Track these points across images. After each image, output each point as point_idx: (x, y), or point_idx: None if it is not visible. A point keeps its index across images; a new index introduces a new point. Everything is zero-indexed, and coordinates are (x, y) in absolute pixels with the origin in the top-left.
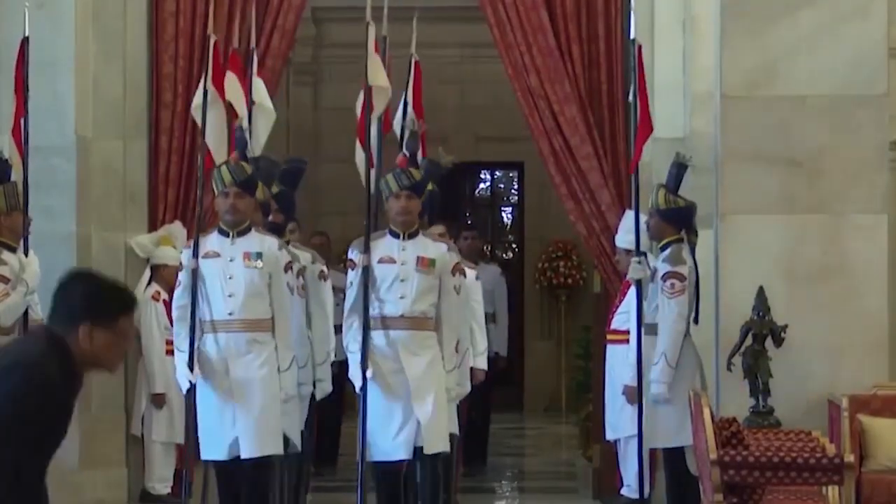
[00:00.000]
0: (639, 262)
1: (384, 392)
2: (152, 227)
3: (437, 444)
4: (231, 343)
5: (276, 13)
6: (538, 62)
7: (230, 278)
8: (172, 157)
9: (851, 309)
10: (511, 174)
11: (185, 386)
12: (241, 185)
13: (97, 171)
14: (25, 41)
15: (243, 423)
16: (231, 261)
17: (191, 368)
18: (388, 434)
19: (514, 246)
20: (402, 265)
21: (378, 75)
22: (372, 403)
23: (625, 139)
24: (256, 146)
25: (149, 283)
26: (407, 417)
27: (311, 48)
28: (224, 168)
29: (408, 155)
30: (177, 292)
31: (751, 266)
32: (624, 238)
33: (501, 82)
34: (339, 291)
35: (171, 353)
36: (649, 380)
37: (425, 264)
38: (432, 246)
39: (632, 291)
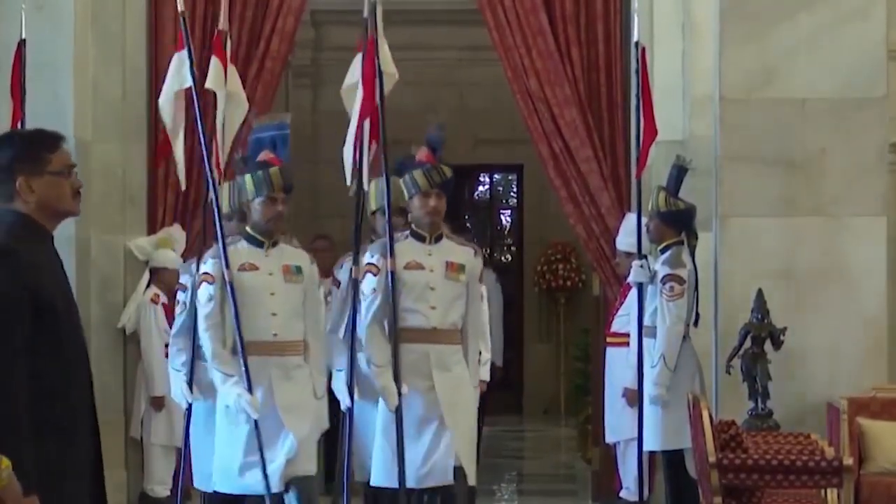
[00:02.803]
0: (640, 266)
1: (412, 413)
2: (151, 229)
3: (472, 473)
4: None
5: (276, 16)
6: (538, 65)
7: (272, 294)
8: (172, 160)
9: (850, 311)
10: (510, 177)
11: (184, 404)
12: (287, 191)
13: (96, 173)
14: (22, 43)
15: (291, 445)
16: (270, 275)
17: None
18: (415, 459)
19: (513, 249)
20: (430, 272)
21: (388, 62)
22: (388, 425)
23: (624, 142)
24: (228, 139)
25: (148, 286)
26: (438, 441)
27: (311, 51)
28: (276, 171)
29: (436, 149)
30: (208, 308)
31: (750, 268)
32: (625, 241)
33: (501, 85)
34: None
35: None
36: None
37: (455, 270)
38: (459, 250)
39: (632, 294)
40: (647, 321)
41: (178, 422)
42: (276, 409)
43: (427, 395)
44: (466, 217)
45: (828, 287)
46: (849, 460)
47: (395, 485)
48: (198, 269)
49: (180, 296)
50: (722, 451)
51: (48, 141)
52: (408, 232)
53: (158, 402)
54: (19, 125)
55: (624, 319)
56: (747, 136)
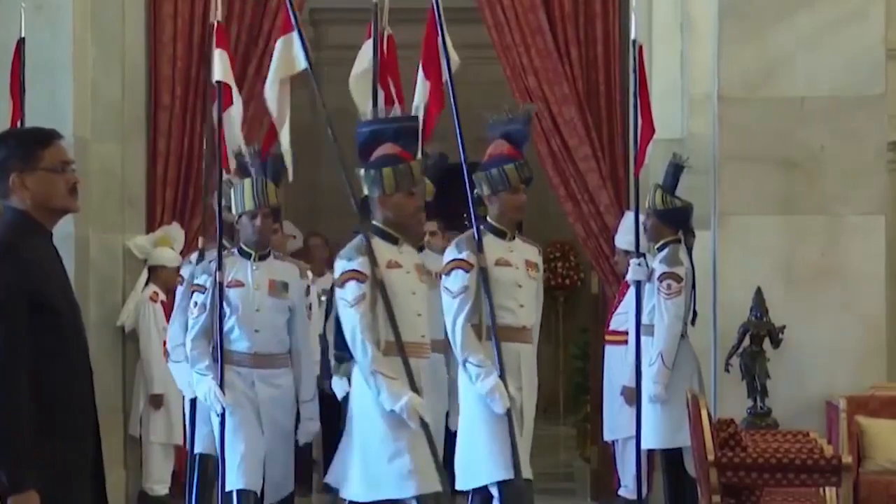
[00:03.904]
0: (639, 264)
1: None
2: (150, 228)
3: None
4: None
5: (275, 15)
6: (536, 63)
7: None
8: (170, 159)
9: (849, 310)
10: None
11: (219, 409)
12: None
13: (95, 172)
14: (21, 43)
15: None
16: (408, 273)
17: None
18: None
19: None
20: (516, 269)
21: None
22: (494, 424)
23: (623, 140)
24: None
25: (146, 284)
26: (524, 442)
27: (310, 50)
28: (416, 165)
29: (521, 144)
30: (360, 309)
31: (748, 267)
32: (623, 239)
33: (499, 83)
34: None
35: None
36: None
37: (533, 268)
38: (530, 249)
39: (630, 292)
40: (645, 319)
41: (176, 420)
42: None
43: (517, 395)
44: (465, 215)
45: (826, 285)
46: (847, 459)
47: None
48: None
49: (199, 297)
50: (721, 450)
51: (41, 137)
52: (490, 227)
53: (157, 401)
54: (19, 125)
55: (622, 318)
56: (746, 135)
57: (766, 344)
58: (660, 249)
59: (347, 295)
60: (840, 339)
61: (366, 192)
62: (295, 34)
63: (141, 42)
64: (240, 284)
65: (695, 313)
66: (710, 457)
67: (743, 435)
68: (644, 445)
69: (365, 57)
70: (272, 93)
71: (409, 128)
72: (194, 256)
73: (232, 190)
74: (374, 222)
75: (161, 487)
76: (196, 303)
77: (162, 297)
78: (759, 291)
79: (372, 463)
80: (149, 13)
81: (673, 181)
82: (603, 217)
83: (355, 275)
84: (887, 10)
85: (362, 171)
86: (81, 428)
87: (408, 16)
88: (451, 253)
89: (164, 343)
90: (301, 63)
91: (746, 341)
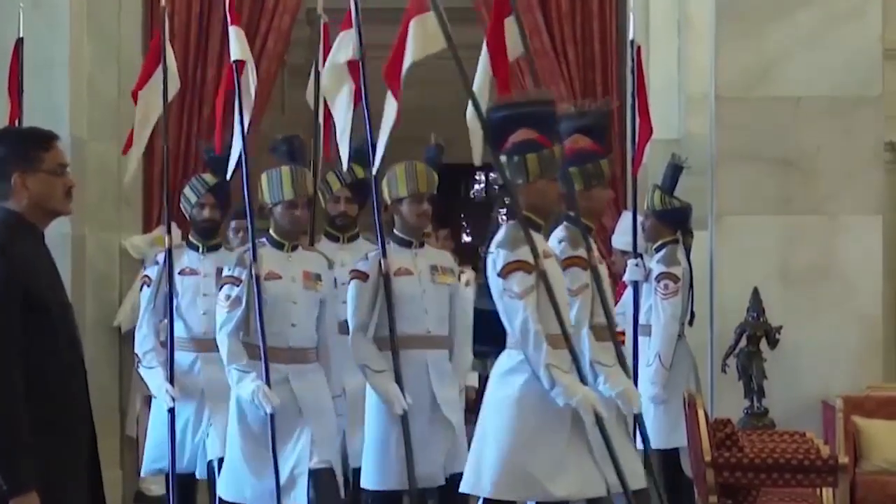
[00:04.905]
0: (636, 265)
1: None
2: (147, 227)
3: None
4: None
5: (272, 15)
6: (533, 63)
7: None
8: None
9: (846, 310)
10: None
11: (269, 409)
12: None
13: (92, 172)
14: (20, 42)
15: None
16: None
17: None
18: None
19: None
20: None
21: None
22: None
23: (620, 141)
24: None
25: None
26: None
27: (307, 50)
28: (559, 150)
29: (601, 138)
30: (530, 300)
31: (745, 267)
32: (621, 239)
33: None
34: None
35: None
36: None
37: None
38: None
39: (628, 293)
40: (642, 320)
41: None
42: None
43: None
44: (462, 216)
45: (823, 286)
46: (844, 459)
47: None
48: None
49: (231, 290)
50: (717, 450)
51: (43, 139)
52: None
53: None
54: (16, 124)
55: (620, 318)
56: (743, 135)
57: (763, 344)
58: (657, 250)
59: (514, 286)
60: (837, 339)
61: (504, 179)
62: (431, 14)
63: (138, 41)
64: (276, 276)
65: (692, 314)
66: (707, 457)
67: (740, 435)
68: (641, 445)
69: (348, 47)
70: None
71: (544, 112)
72: (161, 256)
73: (264, 178)
74: (525, 211)
75: (157, 487)
76: (228, 296)
77: None
78: (755, 292)
79: (524, 460)
80: (145, 13)
81: (672, 182)
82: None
83: (521, 265)
84: (884, 9)
85: (504, 158)
86: (76, 426)
87: (393, 16)
88: (568, 251)
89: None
90: (440, 42)
91: (743, 341)
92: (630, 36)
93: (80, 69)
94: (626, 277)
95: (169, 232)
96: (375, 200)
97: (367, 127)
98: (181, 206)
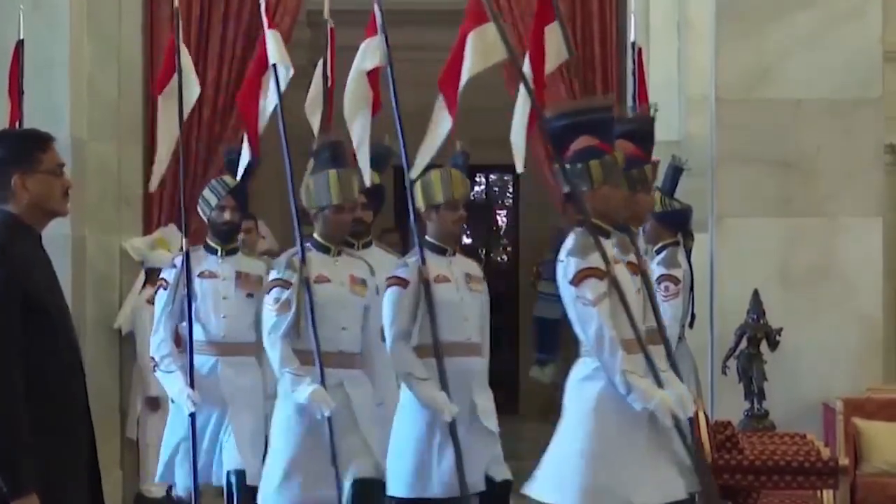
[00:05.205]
0: None
1: None
2: (147, 229)
3: None
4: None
5: (272, 17)
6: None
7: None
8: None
9: (846, 312)
10: (506, 177)
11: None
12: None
13: (92, 173)
14: (20, 43)
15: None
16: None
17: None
18: None
19: (509, 249)
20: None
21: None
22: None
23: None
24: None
25: (143, 287)
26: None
27: (307, 51)
28: (621, 156)
29: (646, 143)
30: (604, 307)
31: (746, 269)
32: None
33: (497, 85)
34: None
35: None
36: None
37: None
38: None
39: None
40: None
41: None
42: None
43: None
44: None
45: (824, 287)
46: (844, 461)
47: None
48: None
49: (280, 293)
50: (718, 452)
51: (41, 140)
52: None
53: (154, 403)
54: (17, 125)
55: None
56: (743, 137)
57: (764, 346)
58: (658, 252)
59: (587, 293)
60: (837, 341)
61: (567, 187)
62: (491, 25)
63: (138, 42)
64: (326, 280)
65: (692, 316)
66: (708, 459)
67: (740, 437)
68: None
69: (374, 52)
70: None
71: (604, 119)
72: (178, 259)
73: (310, 181)
74: (594, 218)
75: (158, 489)
76: (277, 299)
77: None
78: (756, 293)
79: (607, 472)
80: (146, 14)
81: (672, 184)
82: None
83: (593, 272)
84: (885, 10)
85: (567, 166)
86: (76, 426)
87: (393, 17)
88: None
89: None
90: (501, 53)
91: (743, 343)
92: (630, 37)
93: (80, 70)
94: None
95: (186, 234)
96: (412, 207)
97: (400, 132)
98: (199, 208)
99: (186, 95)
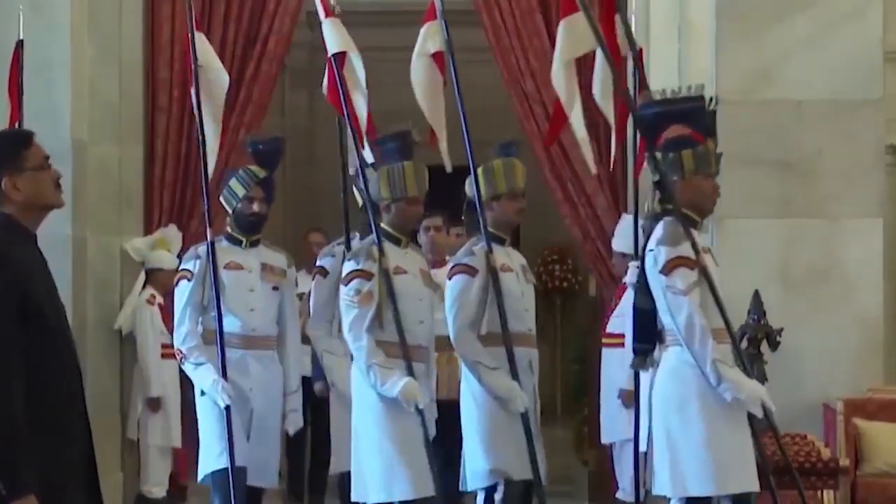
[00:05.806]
0: (637, 267)
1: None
2: (147, 230)
3: None
4: None
5: (272, 17)
6: (534, 66)
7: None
8: (168, 161)
9: (847, 313)
10: None
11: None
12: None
13: (93, 174)
14: (20, 44)
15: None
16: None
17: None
18: None
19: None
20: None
21: None
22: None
23: (621, 143)
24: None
25: (143, 287)
26: None
27: (307, 52)
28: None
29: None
30: (695, 296)
31: (746, 270)
32: (621, 242)
33: (497, 86)
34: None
35: (166, 356)
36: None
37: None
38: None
39: (628, 295)
40: None
41: (174, 423)
42: None
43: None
44: (462, 218)
45: (824, 288)
46: (845, 461)
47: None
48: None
49: (361, 284)
50: None
51: (21, 138)
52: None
53: (154, 403)
54: (17, 125)
55: (619, 320)
56: (744, 138)
57: (764, 346)
58: None
59: (678, 282)
60: (837, 341)
61: (657, 176)
62: (581, 14)
63: (138, 44)
64: (403, 271)
65: None
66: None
67: None
68: (642, 448)
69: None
70: (559, 79)
71: (696, 108)
72: (202, 250)
73: (382, 171)
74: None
75: (159, 490)
76: (359, 291)
77: (159, 299)
78: (756, 294)
79: (717, 455)
80: (146, 15)
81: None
82: (600, 220)
83: (684, 261)
84: (885, 11)
85: (658, 155)
86: (73, 429)
87: (393, 18)
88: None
89: (162, 346)
90: (591, 43)
91: (744, 344)
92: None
93: (80, 70)
94: (626, 280)
95: (210, 225)
96: (478, 196)
97: (463, 121)
98: (223, 199)
99: (216, 84)
